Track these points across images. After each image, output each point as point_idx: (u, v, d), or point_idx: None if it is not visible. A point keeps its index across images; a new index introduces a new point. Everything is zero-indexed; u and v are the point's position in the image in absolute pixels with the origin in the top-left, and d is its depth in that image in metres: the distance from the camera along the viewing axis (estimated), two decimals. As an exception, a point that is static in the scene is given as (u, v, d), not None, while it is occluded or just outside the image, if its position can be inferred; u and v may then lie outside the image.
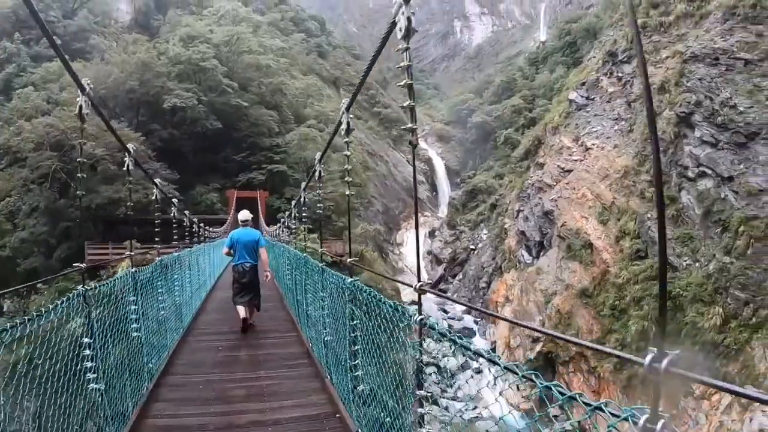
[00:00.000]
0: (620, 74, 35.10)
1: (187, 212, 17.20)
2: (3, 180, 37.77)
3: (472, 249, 52.88)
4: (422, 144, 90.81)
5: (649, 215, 26.29)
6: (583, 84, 38.74)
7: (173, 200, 13.93)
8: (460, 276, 50.78)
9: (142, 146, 39.46)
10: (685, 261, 23.61)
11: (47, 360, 4.27)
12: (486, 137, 78.17)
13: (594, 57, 42.72)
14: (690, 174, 25.14)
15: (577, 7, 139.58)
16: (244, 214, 12.76)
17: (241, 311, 11.84)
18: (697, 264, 23.09)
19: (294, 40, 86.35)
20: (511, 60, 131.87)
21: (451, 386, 29.71)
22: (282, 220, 26.14)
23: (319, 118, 58.36)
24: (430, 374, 28.03)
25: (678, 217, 25.02)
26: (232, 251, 12.31)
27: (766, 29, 25.46)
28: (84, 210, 32.16)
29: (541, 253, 34.80)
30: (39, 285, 28.57)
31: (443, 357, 28.24)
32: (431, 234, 63.13)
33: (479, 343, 34.56)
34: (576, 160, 34.62)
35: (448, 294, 46.76)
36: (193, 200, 43.06)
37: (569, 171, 34.67)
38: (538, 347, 28.65)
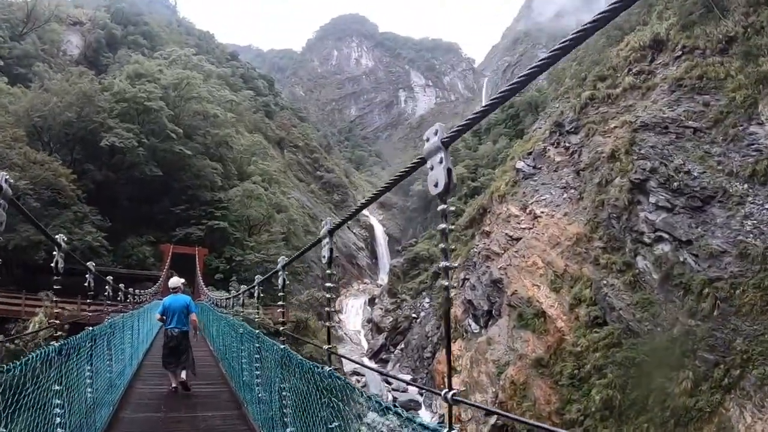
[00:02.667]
0: (567, 144, 35.09)
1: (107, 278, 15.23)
2: None
3: (414, 318, 51.62)
4: (363, 210, 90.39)
5: (605, 281, 25.62)
6: (530, 153, 38.71)
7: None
8: (402, 345, 49.29)
9: (71, 185, 37.13)
10: (646, 326, 22.94)
11: None
12: (428, 205, 78.28)
13: (540, 128, 43.09)
14: (646, 239, 24.85)
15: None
16: (174, 281, 13.25)
17: (173, 380, 12.17)
18: (659, 329, 22.42)
19: (243, 96, 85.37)
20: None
21: None
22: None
23: (264, 176, 56.20)
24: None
25: (635, 283, 24.45)
26: (164, 317, 12.60)
27: (712, 99, 25.74)
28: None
29: (490, 323, 33.68)
30: None
31: None
32: (371, 302, 61.89)
33: (425, 416, 32.80)
34: (524, 228, 34.03)
35: (390, 365, 45.29)
36: (124, 252, 40.41)
37: (518, 239, 34.01)
38: (492, 420, 27.13)
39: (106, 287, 11.32)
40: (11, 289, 29.60)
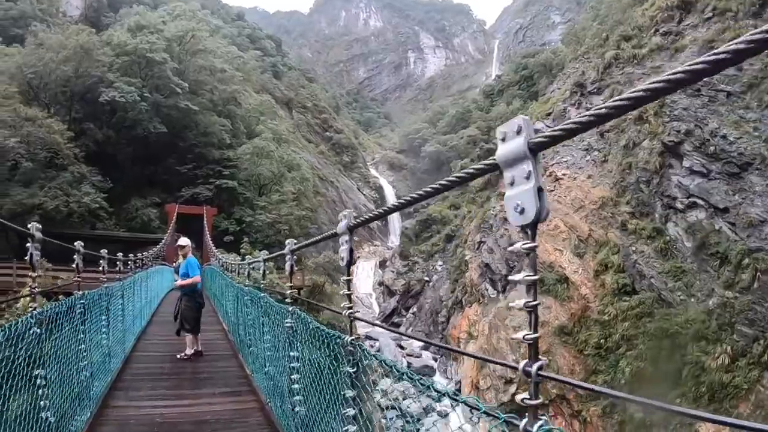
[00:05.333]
0: (589, 105, 33.87)
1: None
2: None
3: (426, 281, 50.82)
4: (373, 171, 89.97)
5: (634, 248, 24.57)
6: (549, 114, 37.74)
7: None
8: (415, 309, 48.59)
9: (69, 143, 35.89)
10: (679, 296, 21.91)
11: None
12: (439, 167, 77.38)
13: (558, 89, 42.13)
14: (678, 205, 23.72)
15: (530, 44, 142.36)
16: (185, 241, 12.50)
17: (196, 344, 11.66)
18: (693, 299, 21.39)
19: (250, 56, 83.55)
20: (463, 93, 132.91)
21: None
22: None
23: (274, 135, 54.13)
24: (392, 419, 25.55)
25: (666, 250, 23.40)
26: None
27: (746, 63, 24.37)
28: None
29: (508, 287, 32.75)
30: None
31: (404, 399, 25.94)
32: (382, 264, 60.98)
33: (440, 382, 32.01)
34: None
35: (402, 328, 44.52)
36: (127, 215, 39.12)
37: (538, 201, 32.94)
38: (511, 389, 26.31)
39: (100, 260, 9.84)
40: (3, 258, 27.10)
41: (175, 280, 12.54)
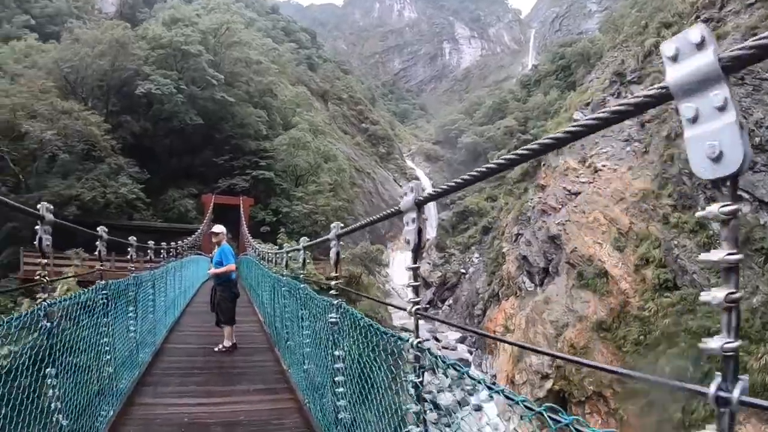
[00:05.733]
0: (629, 95, 33.02)
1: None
2: None
3: (463, 273, 50.54)
4: (409, 163, 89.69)
5: (676, 242, 23.90)
6: (588, 104, 37.20)
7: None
8: (450, 301, 48.41)
9: (105, 135, 36.35)
10: (723, 293, 21.24)
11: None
12: (476, 158, 76.77)
13: (597, 78, 41.53)
14: (722, 199, 22.95)
15: (566, 33, 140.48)
16: (219, 228, 11.96)
17: (232, 338, 11.25)
18: (736, 297, 20.73)
19: (285, 49, 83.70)
20: (500, 83, 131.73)
21: (450, 426, 26.57)
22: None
23: (310, 127, 54.12)
24: (426, 411, 25.33)
25: (709, 245, 22.61)
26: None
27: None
28: (29, 208, 27.62)
29: (546, 281, 32.31)
30: None
31: (438, 392, 25.69)
32: (419, 255, 60.79)
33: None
34: (584, 182, 32.38)
35: (436, 323, 44.35)
36: (164, 206, 39.45)
37: (577, 193, 32.39)
38: (548, 384, 25.95)
39: (128, 248, 9.45)
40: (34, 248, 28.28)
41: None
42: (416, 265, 3.15)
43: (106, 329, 6.76)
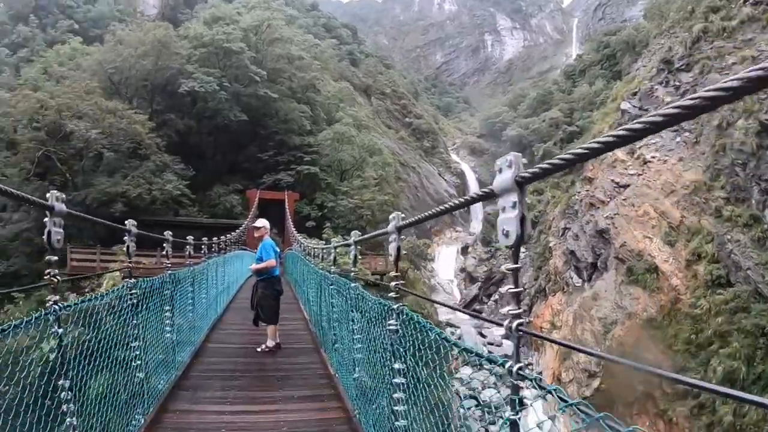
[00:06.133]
0: (677, 82, 32.31)
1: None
2: None
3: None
4: (454, 157, 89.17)
5: (729, 236, 23.13)
6: (635, 94, 36.18)
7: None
8: (496, 296, 47.90)
9: (150, 133, 37.21)
10: (780, 291, 20.45)
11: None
12: (522, 151, 74.36)
13: (644, 66, 40.32)
14: (778, 190, 22.09)
15: (609, 21, 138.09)
16: (262, 221, 11.52)
17: (277, 337, 10.88)
18: (794, 295, 19.92)
19: (326, 45, 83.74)
20: (544, 74, 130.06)
21: (494, 423, 26.09)
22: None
23: (354, 122, 53.89)
24: (469, 409, 25.00)
25: (764, 240, 21.91)
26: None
27: None
28: (77, 207, 27.58)
29: (594, 276, 31.66)
30: (15, 294, 24.73)
31: (483, 389, 25.33)
32: (464, 250, 60.37)
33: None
34: (633, 174, 31.57)
35: (484, 316, 43.94)
36: (210, 202, 39.87)
37: (626, 186, 31.61)
38: (594, 383, 25.45)
39: (164, 244, 8.91)
40: (90, 245, 29.69)
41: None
42: (517, 266, 2.42)
43: (136, 332, 6.36)
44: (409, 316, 4.29)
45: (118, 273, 19.41)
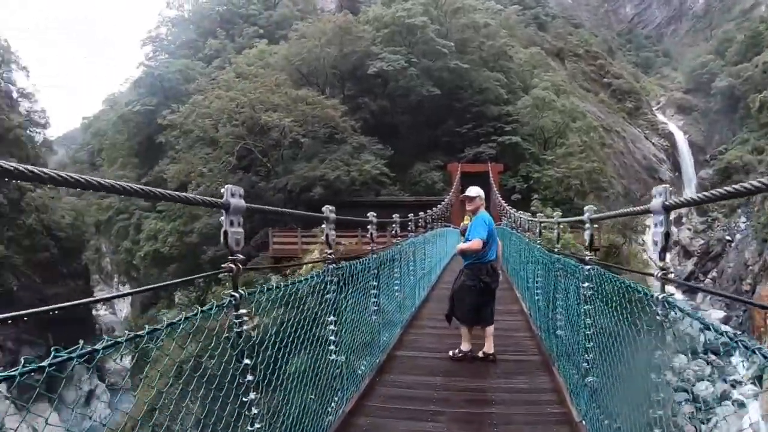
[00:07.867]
0: None
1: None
2: (187, 162, 38.14)
3: (728, 241, 45.37)
4: (660, 117, 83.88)
5: None
6: None
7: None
8: (714, 273, 43.77)
9: (343, 118, 38.93)
10: None
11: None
12: (734, 104, 69.10)
13: None
14: None
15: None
16: (476, 191, 8.38)
17: (469, 339, 8.15)
18: None
19: (509, 12, 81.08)
20: (747, 13, 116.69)
21: (707, 422, 22.57)
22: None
23: (552, 86, 49.96)
24: (680, 402, 22.45)
25: None
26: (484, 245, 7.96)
27: None
28: (279, 193, 31.82)
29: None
30: (221, 276, 25.90)
31: (698, 381, 22.80)
32: (677, 221, 55.85)
33: (737, 364, 25.58)
34: None
35: (699, 296, 40.02)
36: (411, 179, 40.24)
37: None
38: None
39: (368, 226, 7.60)
40: (292, 227, 31.70)
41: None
42: (666, 269, 3.23)
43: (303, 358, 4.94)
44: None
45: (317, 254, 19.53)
